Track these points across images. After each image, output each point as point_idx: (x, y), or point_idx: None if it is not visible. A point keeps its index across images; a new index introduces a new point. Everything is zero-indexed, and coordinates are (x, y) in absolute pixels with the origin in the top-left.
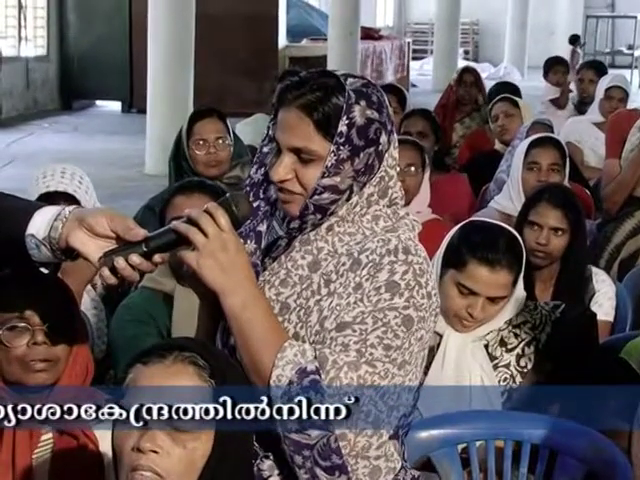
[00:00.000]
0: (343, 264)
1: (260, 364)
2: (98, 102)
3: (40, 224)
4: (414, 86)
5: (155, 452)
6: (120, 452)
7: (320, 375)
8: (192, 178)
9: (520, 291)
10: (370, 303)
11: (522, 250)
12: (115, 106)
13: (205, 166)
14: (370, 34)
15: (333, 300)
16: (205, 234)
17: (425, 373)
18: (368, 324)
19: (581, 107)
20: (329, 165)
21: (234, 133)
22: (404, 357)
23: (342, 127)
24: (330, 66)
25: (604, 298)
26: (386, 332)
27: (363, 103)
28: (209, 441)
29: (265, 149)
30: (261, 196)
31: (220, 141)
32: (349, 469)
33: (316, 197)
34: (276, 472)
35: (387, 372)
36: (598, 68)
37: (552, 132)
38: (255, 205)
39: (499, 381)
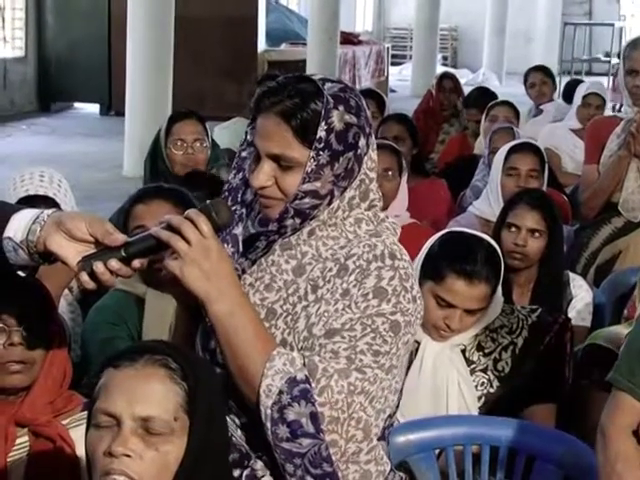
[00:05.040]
0: (330, 270)
1: (248, 373)
2: (76, 104)
3: (18, 227)
4: (393, 91)
5: (127, 456)
6: (93, 456)
7: (310, 384)
8: (149, 185)
9: (498, 296)
10: (358, 310)
11: (500, 261)
12: (93, 108)
13: (182, 167)
14: (349, 39)
15: (321, 306)
16: (187, 241)
17: None
18: (357, 331)
19: None
20: (309, 171)
21: (212, 137)
22: (392, 362)
23: (321, 132)
24: (309, 70)
25: (581, 303)
26: (375, 338)
27: (341, 108)
28: (182, 444)
29: (243, 154)
30: (239, 200)
31: (198, 143)
32: (340, 475)
33: (297, 202)
34: (268, 472)
35: (376, 377)
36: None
37: (515, 137)
38: (234, 209)
39: (476, 386)
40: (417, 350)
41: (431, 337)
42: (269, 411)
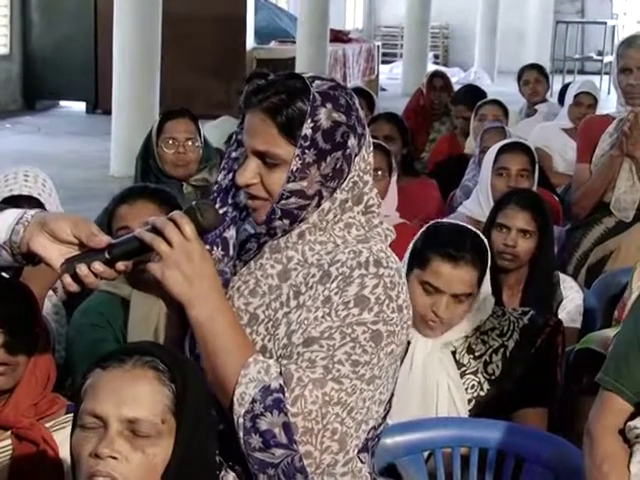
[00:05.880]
0: (313, 276)
1: (224, 379)
2: (62, 102)
3: (1, 227)
4: (383, 90)
5: (114, 458)
6: (78, 457)
7: (284, 393)
8: (133, 185)
9: (489, 297)
10: (338, 318)
11: (487, 249)
12: (80, 107)
13: (173, 166)
14: (339, 37)
15: (302, 313)
16: (170, 243)
17: None
18: (336, 339)
19: None
20: (294, 169)
21: (204, 136)
22: (373, 372)
23: (306, 130)
24: (299, 69)
25: (572, 304)
26: (354, 348)
27: (329, 106)
28: (169, 446)
29: (234, 154)
30: (229, 202)
31: (190, 142)
32: None
33: (283, 202)
34: None
35: (354, 388)
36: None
37: (506, 136)
38: (223, 211)
39: (466, 388)
40: (407, 349)
41: (421, 332)
42: (241, 419)
